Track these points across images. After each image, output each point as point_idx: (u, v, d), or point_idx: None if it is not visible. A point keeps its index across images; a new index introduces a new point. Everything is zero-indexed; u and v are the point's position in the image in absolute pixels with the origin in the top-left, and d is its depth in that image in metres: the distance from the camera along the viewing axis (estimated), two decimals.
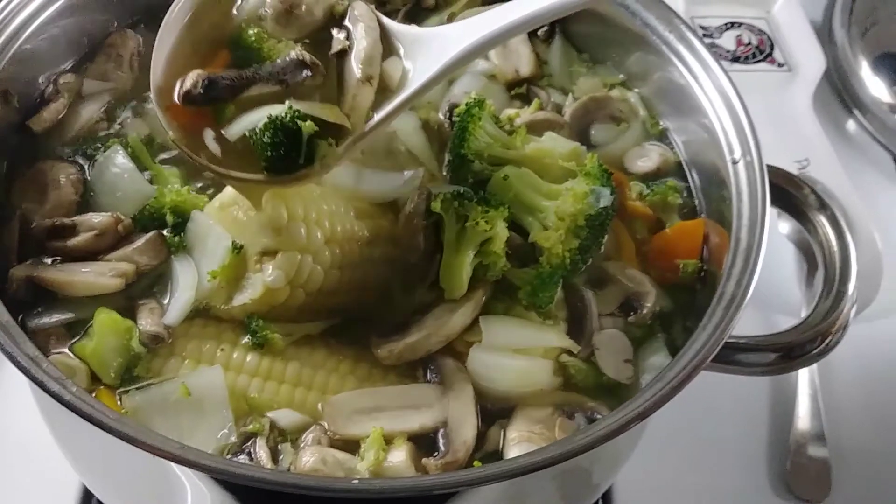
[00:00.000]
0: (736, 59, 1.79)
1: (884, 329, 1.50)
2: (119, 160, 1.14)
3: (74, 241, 1.08)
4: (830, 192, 1.58)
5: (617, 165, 1.20)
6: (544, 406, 1.00)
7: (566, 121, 1.22)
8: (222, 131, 1.01)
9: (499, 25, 0.97)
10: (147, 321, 1.04)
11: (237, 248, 1.04)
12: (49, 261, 1.08)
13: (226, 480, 0.87)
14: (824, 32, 1.84)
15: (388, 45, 1.03)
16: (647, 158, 1.21)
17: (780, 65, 1.79)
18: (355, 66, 0.99)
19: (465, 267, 1.02)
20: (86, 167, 1.16)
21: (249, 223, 1.06)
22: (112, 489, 1.14)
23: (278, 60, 1.00)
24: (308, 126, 0.95)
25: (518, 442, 0.96)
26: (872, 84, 1.77)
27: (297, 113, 0.95)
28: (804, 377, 1.41)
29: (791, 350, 1.03)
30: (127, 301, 1.06)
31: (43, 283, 1.05)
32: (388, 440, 0.98)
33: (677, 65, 1.18)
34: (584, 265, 1.08)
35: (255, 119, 0.97)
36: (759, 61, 1.79)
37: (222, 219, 1.08)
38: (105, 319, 1.03)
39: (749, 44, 1.81)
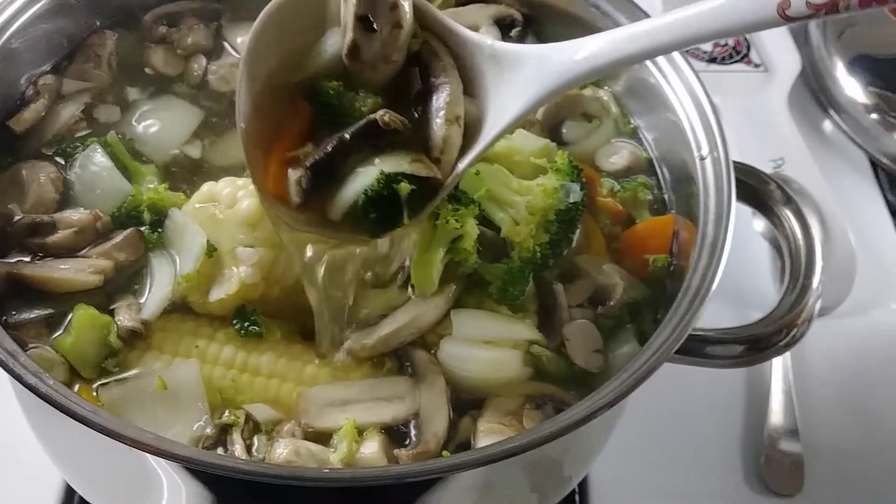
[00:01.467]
0: (713, 60, 1.82)
1: (857, 326, 1.53)
2: (97, 158, 1.16)
3: (54, 238, 1.10)
4: (805, 191, 1.61)
5: (588, 162, 1.22)
6: (515, 397, 1.01)
7: (538, 118, 1.24)
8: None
9: (611, 57, 0.90)
10: (125, 316, 1.06)
11: (210, 252, 1.06)
12: (29, 258, 1.09)
13: (197, 470, 0.88)
14: (800, 34, 1.87)
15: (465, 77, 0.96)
16: (618, 156, 1.22)
17: (756, 65, 1.82)
18: (440, 108, 0.94)
19: (436, 265, 1.04)
20: (66, 165, 1.17)
21: (226, 220, 1.08)
22: (92, 484, 1.15)
23: (361, 123, 0.94)
24: (404, 188, 0.92)
25: (488, 433, 0.98)
26: (848, 85, 1.80)
27: (389, 177, 0.92)
28: (778, 373, 1.43)
29: (758, 342, 1.04)
30: (105, 297, 1.07)
31: (22, 279, 1.06)
32: (361, 432, 0.99)
33: (647, 63, 1.20)
34: (554, 259, 1.10)
35: (352, 195, 0.94)
36: (736, 62, 1.82)
37: (199, 216, 1.10)
38: (83, 315, 1.04)
39: (726, 45, 1.84)
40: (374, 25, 0.93)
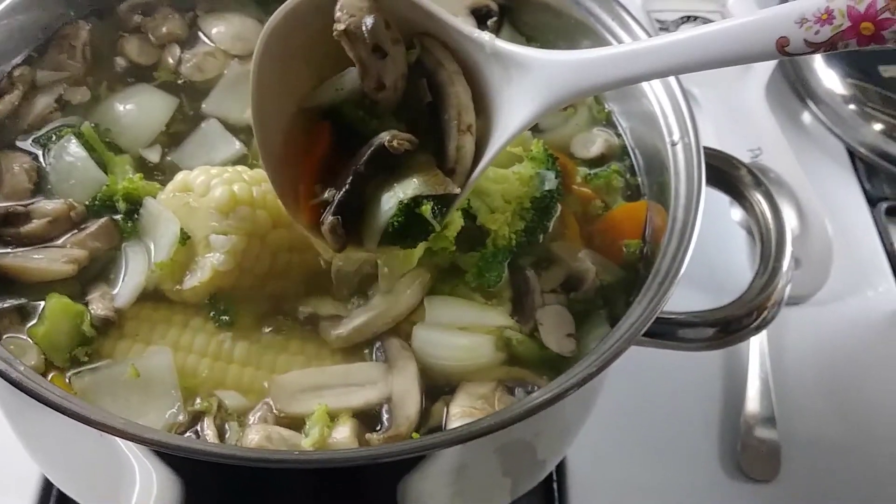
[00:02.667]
0: None
1: (834, 314, 1.54)
2: (72, 149, 1.16)
3: (28, 228, 1.10)
4: (783, 181, 1.63)
5: (564, 150, 1.22)
6: (487, 382, 1.02)
7: None
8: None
9: (620, 73, 0.90)
10: (98, 305, 1.06)
11: (183, 240, 1.06)
12: (2, 247, 1.09)
13: (167, 454, 0.88)
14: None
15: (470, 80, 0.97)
16: (593, 144, 1.23)
17: None
18: (451, 118, 0.95)
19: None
20: (40, 156, 1.17)
21: (199, 209, 1.08)
22: (67, 474, 1.15)
23: (371, 151, 0.95)
24: (426, 210, 0.94)
25: (460, 416, 0.98)
26: (826, 76, 1.81)
27: (409, 205, 0.94)
28: (755, 360, 1.43)
29: (728, 325, 1.05)
30: (79, 286, 1.07)
31: None
32: (333, 417, 0.99)
33: None
34: (530, 246, 1.11)
35: (381, 226, 0.96)
36: None
37: (173, 205, 1.10)
38: (56, 304, 1.04)
39: None
40: (385, 49, 0.94)
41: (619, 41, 1.21)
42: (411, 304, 1.07)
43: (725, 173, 1.15)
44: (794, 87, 1.85)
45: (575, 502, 1.30)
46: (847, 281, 1.57)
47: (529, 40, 1.34)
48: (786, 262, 1.07)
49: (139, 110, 1.22)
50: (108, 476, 1.04)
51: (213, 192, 1.07)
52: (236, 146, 1.20)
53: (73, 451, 1.05)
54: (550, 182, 1.10)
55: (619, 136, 1.25)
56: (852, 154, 1.77)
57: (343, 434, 0.97)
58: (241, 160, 1.19)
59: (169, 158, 1.19)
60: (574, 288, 1.10)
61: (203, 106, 1.24)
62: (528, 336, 1.06)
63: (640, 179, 1.21)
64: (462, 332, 1.04)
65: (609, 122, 1.27)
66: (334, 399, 1.00)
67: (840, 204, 1.69)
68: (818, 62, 1.82)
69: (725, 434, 1.39)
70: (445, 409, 1.00)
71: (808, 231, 1.58)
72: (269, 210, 1.08)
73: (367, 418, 1.00)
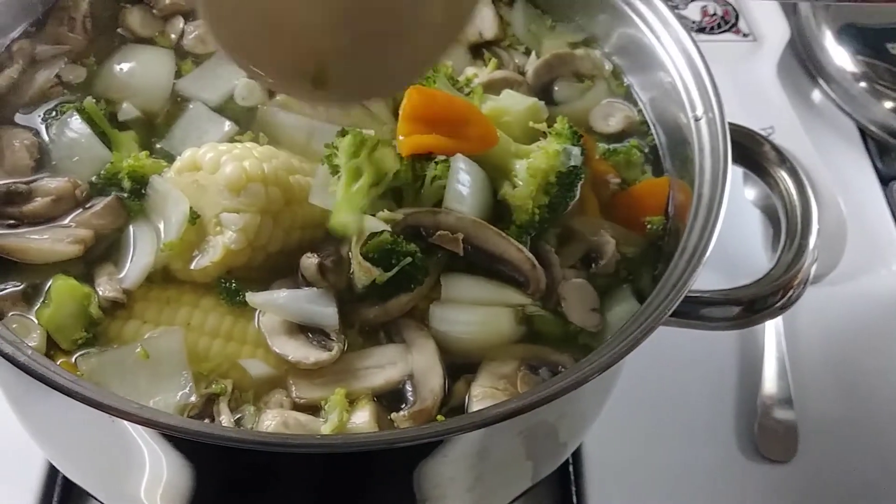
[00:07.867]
0: (701, 30, 1.80)
1: (848, 293, 1.52)
2: (75, 124, 1.12)
3: (31, 207, 1.06)
4: (796, 159, 1.60)
5: (581, 124, 1.19)
6: (509, 361, 0.99)
7: (527, 79, 1.21)
8: None
9: None
10: (105, 287, 1.02)
11: (193, 219, 1.03)
12: (4, 228, 1.05)
13: (181, 438, 0.85)
14: (788, 3, 1.86)
15: None
16: (613, 117, 1.20)
17: (744, 35, 1.81)
18: None
19: None
20: (41, 132, 1.13)
21: (208, 186, 1.04)
22: (73, 461, 1.12)
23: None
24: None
25: (482, 397, 0.95)
26: (836, 54, 1.79)
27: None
28: (771, 341, 1.42)
29: (754, 303, 1.03)
30: (86, 266, 1.04)
31: None
32: (353, 401, 0.96)
33: (638, 24, 1.17)
34: (552, 222, 1.08)
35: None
36: (725, 31, 1.81)
37: (181, 183, 1.06)
38: (62, 286, 1.01)
39: (714, 14, 1.82)
40: None
41: (639, 14, 1.19)
42: (430, 282, 1.03)
43: (748, 149, 1.12)
44: (804, 65, 1.82)
45: (591, 485, 1.28)
46: (860, 260, 1.55)
47: (544, 14, 1.31)
48: (812, 240, 1.04)
49: (143, 69, 1.19)
50: (116, 462, 1.01)
51: (224, 170, 1.03)
52: (226, 126, 1.15)
53: (80, 436, 1.02)
54: (576, 158, 1.07)
55: (639, 111, 1.22)
56: (863, 132, 1.75)
57: (363, 418, 0.94)
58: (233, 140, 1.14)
59: (159, 146, 1.15)
60: (594, 262, 1.07)
61: (175, 84, 1.20)
62: (552, 312, 1.03)
63: (661, 155, 1.18)
64: (479, 307, 1.01)
65: (628, 97, 1.24)
66: (354, 382, 0.97)
67: (852, 183, 1.67)
68: (829, 40, 1.79)
69: (742, 415, 1.37)
70: (467, 390, 0.97)
71: (821, 210, 1.54)
72: (281, 187, 1.05)
73: (389, 400, 0.97)
